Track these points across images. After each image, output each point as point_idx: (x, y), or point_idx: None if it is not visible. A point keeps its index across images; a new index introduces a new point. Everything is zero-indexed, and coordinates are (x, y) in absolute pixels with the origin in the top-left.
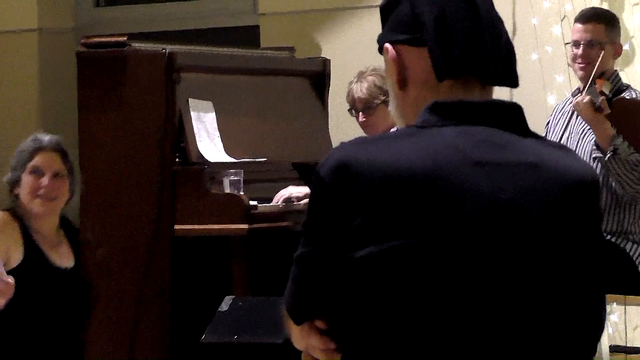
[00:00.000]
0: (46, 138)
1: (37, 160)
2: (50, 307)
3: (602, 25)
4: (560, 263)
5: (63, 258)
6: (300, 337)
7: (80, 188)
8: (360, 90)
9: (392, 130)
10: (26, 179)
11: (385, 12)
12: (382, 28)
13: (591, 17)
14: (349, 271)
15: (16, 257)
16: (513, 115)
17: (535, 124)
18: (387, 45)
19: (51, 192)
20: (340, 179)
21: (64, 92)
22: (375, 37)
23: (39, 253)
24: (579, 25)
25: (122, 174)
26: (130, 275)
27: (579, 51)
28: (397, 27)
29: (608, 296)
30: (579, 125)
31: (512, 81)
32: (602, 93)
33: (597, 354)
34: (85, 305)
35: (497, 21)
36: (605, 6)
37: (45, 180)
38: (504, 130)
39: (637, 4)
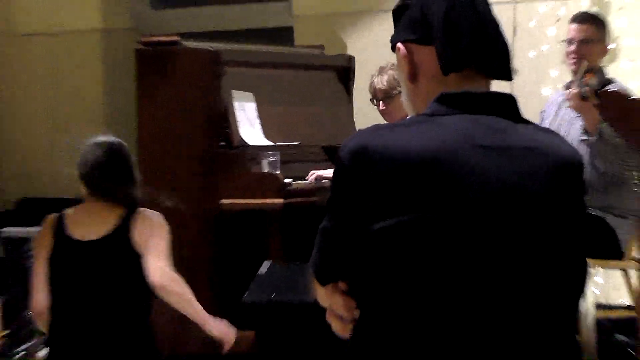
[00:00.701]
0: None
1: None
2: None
3: (594, 27)
4: (551, 231)
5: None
6: (324, 296)
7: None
8: (381, 82)
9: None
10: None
11: (397, 15)
12: (395, 29)
13: (585, 18)
14: (366, 241)
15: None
16: (509, 105)
17: (531, 113)
18: (399, 44)
19: None
20: (358, 162)
21: (124, 86)
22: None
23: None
24: (574, 25)
25: (174, 156)
26: (182, 246)
27: (573, 47)
28: (408, 28)
29: (593, 261)
30: (567, 113)
31: (508, 75)
32: (590, 85)
33: (584, 310)
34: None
35: (496, 23)
36: (595, 10)
37: None
38: (502, 117)
39: (622, 8)
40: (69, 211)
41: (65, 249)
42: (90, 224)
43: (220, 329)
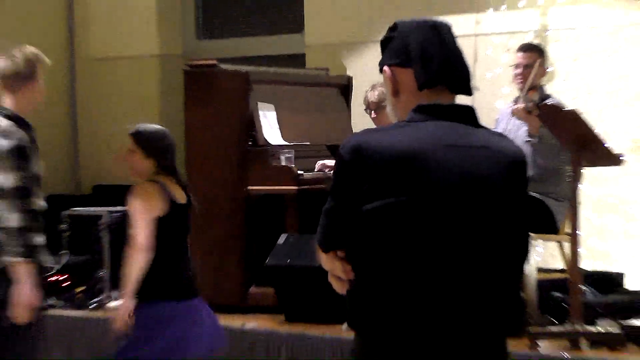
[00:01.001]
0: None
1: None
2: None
3: (535, 54)
4: (501, 210)
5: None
6: (327, 262)
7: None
8: (373, 96)
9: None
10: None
11: (384, 45)
12: (382, 55)
13: (529, 47)
14: (359, 218)
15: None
16: (470, 114)
17: (488, 121)
18: (385, 67)
19: None
20: (354, 157)
21: (175, 100)
22: None
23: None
24: (520, 54)
25: (213, 154)
26: (219, 222)
27: (519, 71)
28: (392, 55)
29: (535, 235)
30: (515, 121)
31: (469, 91)
32: (532, 100)
33: (528, 272)
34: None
35: (459, 51)
36: (536, 42)
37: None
38: (463, 124)
39: (558, 40)
40: (161, 182)
41: (174, 210)
42: (175, 191)
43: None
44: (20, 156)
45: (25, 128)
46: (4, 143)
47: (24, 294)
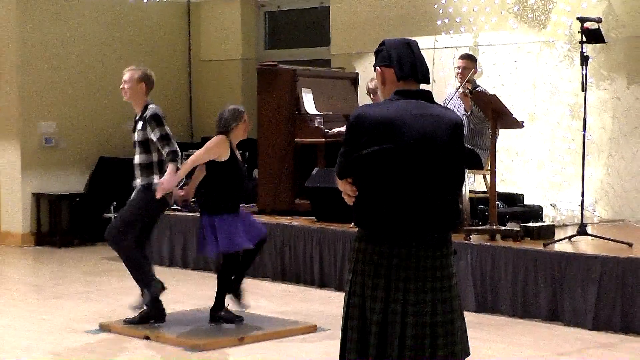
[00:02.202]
0: (242, 109)
1: (245, 117)
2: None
3: (469, 60)
4: (445, 154)
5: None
6: (341, 185)
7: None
8: (371, 85)
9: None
10: (242, 126)
11: (376, 53)
12: (375, 59)
13: (466, 56)
14: (361, 158)
15: (226, 155)
16: (428, 95)
17: (440, 100)
18: (377, 67)
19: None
20: (357, 121)
21: (252, 89)
22: None
23: (233, 152)
24: (461, 60)
25: (275, 120)
26: (280, 162)
27: (460, 70)
28: (381, 59)
29: (468, 170)
30: (455, 100)
31: (427, 81)
32: (468, 89)
33: (463, 192)
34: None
35: (422, 58)
36: (470, 52)
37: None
38: (424, 101)
39: (484, 52)
40: (230, 140)
41: (232, 158)
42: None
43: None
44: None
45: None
46: (154, 114)
47: (170, 180)
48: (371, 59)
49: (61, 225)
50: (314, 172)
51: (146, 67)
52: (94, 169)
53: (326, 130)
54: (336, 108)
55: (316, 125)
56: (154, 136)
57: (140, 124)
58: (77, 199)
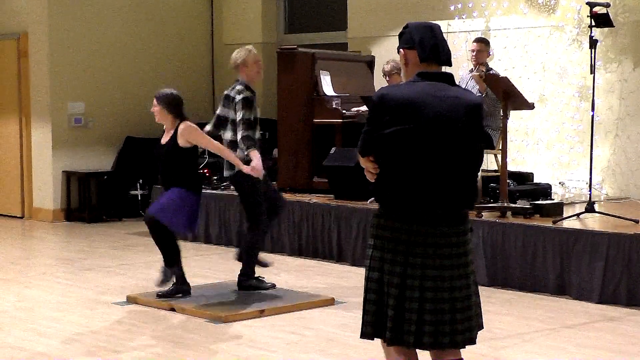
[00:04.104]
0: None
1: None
2: None
3: (483, 44)
4: (464, 133)
5: None
6: (363, 162)
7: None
8: (387, 67)
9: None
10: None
11: (400, 36)
12: (399, 42)
13: (479, 40)
14: (382, 137)
15: None
16: (449, 77)
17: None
18: (401, 49)
19: None
20: (380, 101)
21: (272, 71)
22: (395, 49)
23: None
24: (474, 43)
25: (294, 102)
26: (298, 140)
27: (474, 54)
28: (404, 42)
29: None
30: (469, 82)
31: (449, 64)
32: (482, 71)
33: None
34: None
35: (444, 40)
36: (484, 36)
37: None
38: (445, 83)
39: (496, 36)
40: None
41: None
42: None
43: (247, 168)
44: (246, 103)
45: (251, 91)
46: (238, 96)
47: (258, 164)
48: (386, 43)
49: (90, 201)
50: (331, 151)
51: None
52: (121, 148)
53: (343, 111)
54: (353, 90)
55: (334, 106)
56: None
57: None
58: (105, 177)
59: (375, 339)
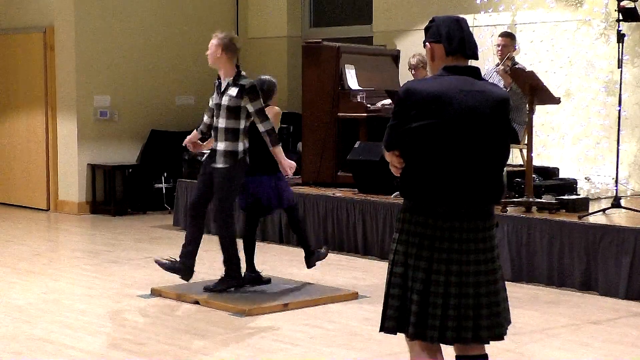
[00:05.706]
0: (275, 80)
1: (276, 91)
2: None
3: (509, 38)
4: (492, 128)
5: None
6: (389, 156)
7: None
8: (413, 61)
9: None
10: (274, 98)
11: (426, 30)
12: (425, 36)
13: (505, 34)
14: (408, 132)
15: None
16: (476, 71)
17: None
18: (427, 43)
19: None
20: (406, 95)
21: (297, 65)
22: (420, 43)
23: None
24: (500, 38)
25: (319, 95)
26: (324, 133)
27: (499, 49)
28: (431, 35)
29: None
30: (494, 77)
31: (476, 58)
32: (507, 65)
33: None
34: None
35: (471, 34)
36: (510, 30)
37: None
38: (471, 77)
39: (522, 30)
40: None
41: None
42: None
43: (285, 164)
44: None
45: (218, 77)
46: (254, 86)
47: (284, 160)
48: (411, 37)
49: (115, 194)
50: (356, 145)
51: (230, 32)
52: (145, 141)
53: (368, 105)
54: (378, 84)
55: (359, 100)
56: (251, 107)
57: (234, 90)
58: (130, 170)
59: (397, 333)
